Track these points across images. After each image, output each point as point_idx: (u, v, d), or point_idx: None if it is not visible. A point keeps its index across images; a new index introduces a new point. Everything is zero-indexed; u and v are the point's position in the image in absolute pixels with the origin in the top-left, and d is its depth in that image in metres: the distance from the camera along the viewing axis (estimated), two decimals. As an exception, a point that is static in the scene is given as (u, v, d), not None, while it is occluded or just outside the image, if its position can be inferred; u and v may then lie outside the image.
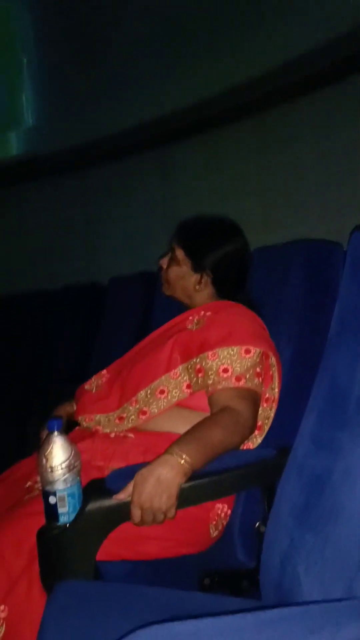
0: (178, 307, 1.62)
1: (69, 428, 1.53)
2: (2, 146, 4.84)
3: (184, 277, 1.56)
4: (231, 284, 1.56)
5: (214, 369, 1.36)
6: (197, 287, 1.55)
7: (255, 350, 1.37)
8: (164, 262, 1.59)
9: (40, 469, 1.13)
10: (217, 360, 1.37)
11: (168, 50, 3.72)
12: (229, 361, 1.36)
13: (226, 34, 3.37)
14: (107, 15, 3.98)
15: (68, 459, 1.12)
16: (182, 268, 1.56)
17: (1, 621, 1.14)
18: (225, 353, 1.37)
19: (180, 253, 1.56)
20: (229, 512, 1.37)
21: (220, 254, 1.54)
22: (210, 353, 1.38)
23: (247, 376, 1.36)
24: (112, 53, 4.00)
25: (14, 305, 4.19)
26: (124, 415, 1.45)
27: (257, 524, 1.33)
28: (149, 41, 3.83)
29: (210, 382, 1.36)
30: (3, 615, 1.14)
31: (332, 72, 2.84)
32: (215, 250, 1.54)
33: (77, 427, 1.53)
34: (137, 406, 1.43)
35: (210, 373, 1.36)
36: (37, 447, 1.47)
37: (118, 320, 2.97)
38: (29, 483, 1.38)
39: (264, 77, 3.05)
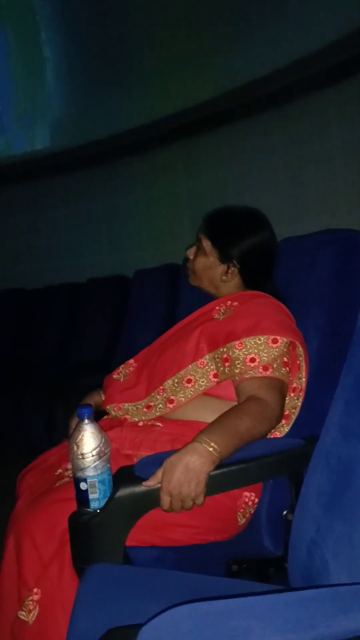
0: (204, 298, 1.63)
1: (97, 417, 1.55)
2: (28, 140, 4.88)
3: (210, 268, 1.57)
4: (258, 275, 1.57)
5: (241, 358, 1.37)
6: (224, 277, 1.56)
7: (282, 340, 1.38)
8: (191, 253, 1.60)
9: (72, 455, 1.15)
10: (244, 349, 1.38)
11: (191, 42, 3.72)
12: (256, 351, 1.37)
13: (249, 24, 3.35)
14: (131, 8, 3.99)
15: (98, 446, 1.14)
16: (209, 259, 1.57)
17: (34, 604, 1.17)
18: (252, 342, 1.38)
19: (207, 244, 1.57)
20: (257, 500, 1.38)
21: (246, 244, 1.55)
22: (237, 343, 1.39)
23: (275, 365, 1.36)
24: (135, 46, 4.00)
25: (42, 298, 4.25)
26: (152, 403, 1.46)
27: (285, 512, 1.34)
28: (172, 33, 3.82)
29: (237, 371, 1.37)
30: (36, 597, 1.17)
31: (358, 61, 2.80)
32: (242, 241, 1.55)
33: (105, 416, 1.55)
34: (165, 395, 1.45)
35: (237, 362, 1.37)
36: (66, 435, 1.50)
37: (144, 311, 3.00)
38: (59, 470, 1.40)
39: (289, 67, 3.02)
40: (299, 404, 1.42)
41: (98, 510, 1.15)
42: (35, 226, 4.80)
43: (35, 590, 1.18)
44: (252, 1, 3.33)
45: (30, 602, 1.17)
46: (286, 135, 3.25)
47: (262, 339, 1.38)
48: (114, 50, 4.15)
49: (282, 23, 3.15)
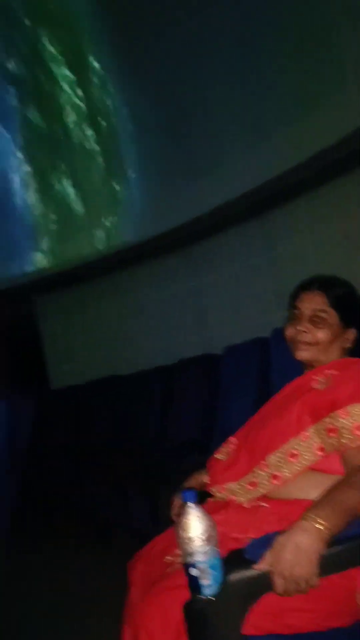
0: (296, 370, 1.62)
1: (201, 499, 1.54)
2: (112, 235, 5.13)
3: (337, 338, 1.56)
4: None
5: (348, 427, 1.34)
6: (348, 345, 1.57)
7: None
8: (304, 326, 1.56)
9: (179, 541, 1.14)
10: (349, 418, 1.35)
11: (260, 119, 3.81)
12: None
13: (315, 95, 3.42)
14: (196, 94, 4.17)
15: (206, 530, 1.13)
16: (334, 329, 1.56)
17: None
18: (357, 410, 1.35)
19: (331, 314, 1.55)
20: (378, 579, 1.30)
21: None
22: (341, 411, 1.36)
23: (380, 433, 1.32)
24: (204, 130, 4.16)
25: (136, 383, 4.34)
26: (256, 480, 1.44)
27: None
28: (240, 112, 3.94)
29: (344, 441, 1.34)
30: None
31: None
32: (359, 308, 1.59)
33: (209, 499, 1.54)
34: (269, 470, 1.43)
35: (344, 432, 1.34)
36: (170, 519, 1.49)
37: (237, 387, 2.99)
38: (168, 558, 1.39)
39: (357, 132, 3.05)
40: None
41: (212, 597, 1.13)
42: (125, 314, 4.96)
43: None
44: (317, 71, 3.40)
45: None
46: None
47: None
48: (183, 137, 4.33)
49: (345, 92, 3.21)
